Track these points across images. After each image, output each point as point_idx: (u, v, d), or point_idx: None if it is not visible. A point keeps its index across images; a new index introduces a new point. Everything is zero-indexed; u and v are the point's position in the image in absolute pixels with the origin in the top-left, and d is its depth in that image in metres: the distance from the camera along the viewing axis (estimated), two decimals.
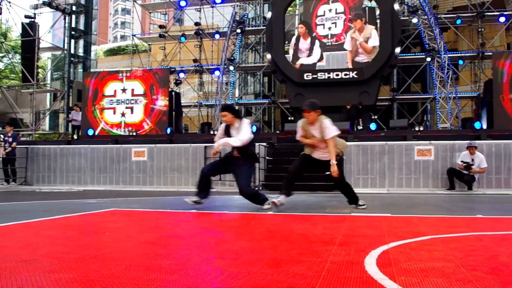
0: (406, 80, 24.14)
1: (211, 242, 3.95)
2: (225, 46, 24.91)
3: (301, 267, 2.83)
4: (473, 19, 22.79)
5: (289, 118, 24.59)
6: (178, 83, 25.64)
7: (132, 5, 30.92)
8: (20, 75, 25.64)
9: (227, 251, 3.45)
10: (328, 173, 6.63)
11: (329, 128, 6.46)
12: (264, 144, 13.49)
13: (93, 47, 39.07)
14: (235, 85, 27.14)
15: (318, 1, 20.89)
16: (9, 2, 24.00)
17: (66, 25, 26.74)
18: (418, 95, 24.77)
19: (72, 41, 29.07)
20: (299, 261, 3.04)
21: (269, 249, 3.54)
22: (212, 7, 27.06)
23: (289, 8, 24.01)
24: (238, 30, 24.53)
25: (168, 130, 18.24)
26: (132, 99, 19.66)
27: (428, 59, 21.55)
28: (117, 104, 19.78)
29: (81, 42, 31.46)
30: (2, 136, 15.87)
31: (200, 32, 26.23)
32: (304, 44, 20.73)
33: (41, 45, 24.65)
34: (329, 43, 20.36)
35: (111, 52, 49.21)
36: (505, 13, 21.87)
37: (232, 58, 24.56)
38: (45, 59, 38.32)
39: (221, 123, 6.90)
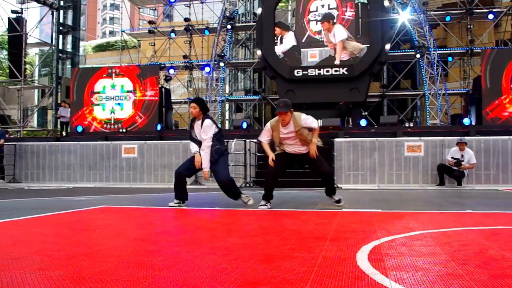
0: (396, 76, 24.21)
1: (203, 238, 3.94)
2: (215, 42, 24.82)
3: (294, 263, 2.83)
4: (462, 16, 22.89)
5: None
6: (168, 79, 25.52)
7: (121, 0, 30.70)
8: (7, 71, 25.41)
9: (219, 247, 3.44)
10: (307, 166, 6.64)
11: (310, 119, 6.41)
12: (255, 140, 13.47)
13: (81, 43, 38.72)
14: (225, 81, 27.08)
15: None
16: None
17: (54, 20, 26.51)
18: (408, 91, 24.86)
19: (60, 36, 28.81)
20: (292, 256, 3.04)
21: (261, 245, 3.53)
22: (202, 2, 26.94)
23: (282, 4, 23.94)
24: (228, 26, 24.44)
25: (159, 127, 18.18)
26: (122, 95, 19.56)
27: (418, 55, 21.62)
28: (107, 100, 19.67)
29: (69, 38, 31.17)
30: None
31: (190, 28, 26.11)
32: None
33: (28, 41, 24.41)
34: (322, 39, 20.34)
35: (100, 48, 48.83)
36: (493, 10, 22.00)
37: (222, 54, 24.48)
38: (32, 55, 38.03)
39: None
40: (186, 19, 26.25)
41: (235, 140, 13.22)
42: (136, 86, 19.42)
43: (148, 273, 2.56)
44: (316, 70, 19.55)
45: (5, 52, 29.29)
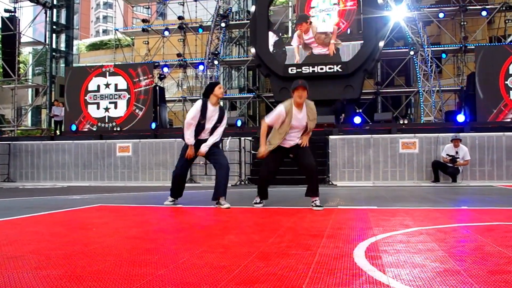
0: (390, 73, 24.23)
1: (199, 236, 3.94)
2: (209, 40, 24.77)
3: (291, 260, 2.84)
4: (456, 13, 22.93)
5: None
6: (162, 77, 25.46)
7: None
8: (1, 70, 25.27)
9: (216, 245, 3.43)
10: (291, 156, 6.17)
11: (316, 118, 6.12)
12: (250, 138, 13.49)
13: (75, 42, 38.54)
14: (220, 79, 27.03)
15: None
16: None
17: (47, 19, 26.38)
18: (402, 88, 24.91)
19: (54, 35, 28.69)
20: (289, 254, 3.04)
21: (258, 242, 3.53)
22: (196, 0, 26.87)
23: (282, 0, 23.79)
24: (222, 24, 24.40)
25: (153, 125, 18.13)
26: (116, 94, 19.50)
27: (412, 52, 21.65)
28: (101, 99, 19.61)
29: (62, 37, 31.02)
30: None
31: (184, 26, 26.06)
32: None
33: (22, 40, 24.26)
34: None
35: (94, 47, 48.62)
36: (487, 7, 22.06)
37: (216, 52, 24.44)
38: (26, 54, 37.82)
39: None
40: (180, 17, 26.19)
41: (229, 138, 13.22)
42: (130, 82, 19.36)
43: (145, 271, 2.56)
44: (310, 67, 19.53)
45: None
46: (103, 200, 8.01)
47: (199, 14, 27.96)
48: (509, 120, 16.26)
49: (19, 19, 24.04)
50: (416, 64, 22.00)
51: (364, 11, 19.51)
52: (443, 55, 22.89)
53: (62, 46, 30.54)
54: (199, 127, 6.33)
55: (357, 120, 15.33)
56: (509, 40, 22.02)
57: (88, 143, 15.15)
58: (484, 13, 21.89)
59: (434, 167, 12.35)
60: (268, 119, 6.02)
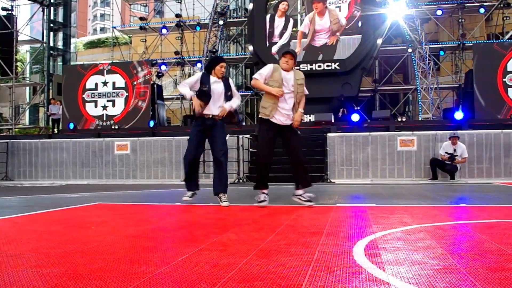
0: (388, 71, 24.26)
1: (198, 234, 3.93)
2: (207, 38, 24.76)
3: (290, 258, 2.83)
4: (454, 10, 22.96)
5: None
6: (159, 75, 25.45)
7: None
8: None
9: (215, 243, 3.43)
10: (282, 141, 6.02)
11: (304, 83, 6.03)
12: (248, 136, 13.49)
13: (72, 40, 38.54)
14: None
15: None
16: None
17: (45, 17, 26.34)
18: (400, 86, 24.93)
19: (51, 33, 28.64)
20: (288, 251, 3.04)
21: (257, 240, 3.53)
22: None
23: None
24: (220, 22, 24.38)
25: (151, 123, 18.12)
26: (113, 92, 19.48)
27: (410, 50, 21.67)
28: (99, 97, 19.59)
29: (60, 35, 31.01)
30: None
31: (181, 24, 26.03)
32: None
33: (19, 38, 24.29)
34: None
35: (91, 45, 48.61)
36: (485, 4, 22.08)
37: (214, 50, 24.43)
38: (23, 52, 37.77)
39: None
40: (178, 15, 26.17)
41: (228, 136, 13.20)
42: (128, 80, 19.34)
43: (145, 270, 2.56)
44: (308, 65, 19.56)
45: None
46: (101, 198, 8.00)
47: (196, 11, 27.93)
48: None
49: (17, 17, 24.06)
50: (414, 62, 22.02)
51: (362, 9, 19.52)
52: (441, 53, 22.92)
53: (60, 44, 30.52)
54: (205, 96, 6.15)
55: (355, 117, 15.33)
56: (507, 37, 22.04)
57: (86, 141, 15.14)
58: (482, 10, 21.93)
59: (432, 164, 12.37)
60: (256, 75, 5.98)
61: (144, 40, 27.64)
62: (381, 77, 24.73)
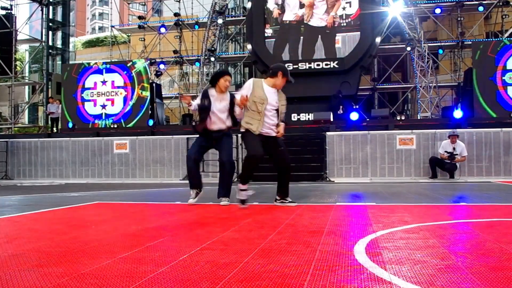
0: (386, 69, 24.26)
1: (199, 233, 3.93)
2: (205, 37, 24.73)
3: (291, 257, 2.84)
4: (453, 8, 22.96)
5: None
6: (158, 74, 25.43)
7: None
8: None
9: (216, 242, 3.43)
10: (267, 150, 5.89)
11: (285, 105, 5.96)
12: None
13: (71, 39, 38.50)
14: None
15: None
16: None
17: (44, 16, 26.34)
18: (398, 84, 24.93)
19: (50, 32, 28.64)
20: (289, 250, 3.04)
21: (258, 239, 3.53)
22: None
23: None
24: (219, 21, 24.35)
25: (150, 122, 18.10)
26: (113, 91, 19.45)
27: (408, 48, 21.66)
28: (98, 96, 19.56)
29: (59, 34, 31.00)
30: None
31: (180, 23, 26.01)
32: None
33: (18, 37, 24.30)
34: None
35: (90, 44, 48.58)
36: (483, 2, 22.07)
37: (213, 49, 24.40)
38: (22, 51, 37.73)
39: None
40: (176, 14, 26.15)
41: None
42: (127, 79, 19.29)
43: (147, 269, 2.56)
44: (307, 64, 19.54)
45: None
46: (101, 197, 8.00)
47: (195, 10, 27.93)
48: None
49: (16, 17, 24.04)
50: (413, 60, 22.01)
51: (360, 7, 19.50)
52: (440, 51, 22.93)
53: (59, 44, 30.50)
54: (207, 111, 6.10)
55: (354, 116, 15.32)
56: (506, 35, 22.05)
57: (85, 140, 15.14)
58: (481, 8, 21.92)
59: (432, 163, 12.36)
60: (237, 94, 5.85)
61: (142, 39, 27.60)
62: (380, 76, 24.72)
